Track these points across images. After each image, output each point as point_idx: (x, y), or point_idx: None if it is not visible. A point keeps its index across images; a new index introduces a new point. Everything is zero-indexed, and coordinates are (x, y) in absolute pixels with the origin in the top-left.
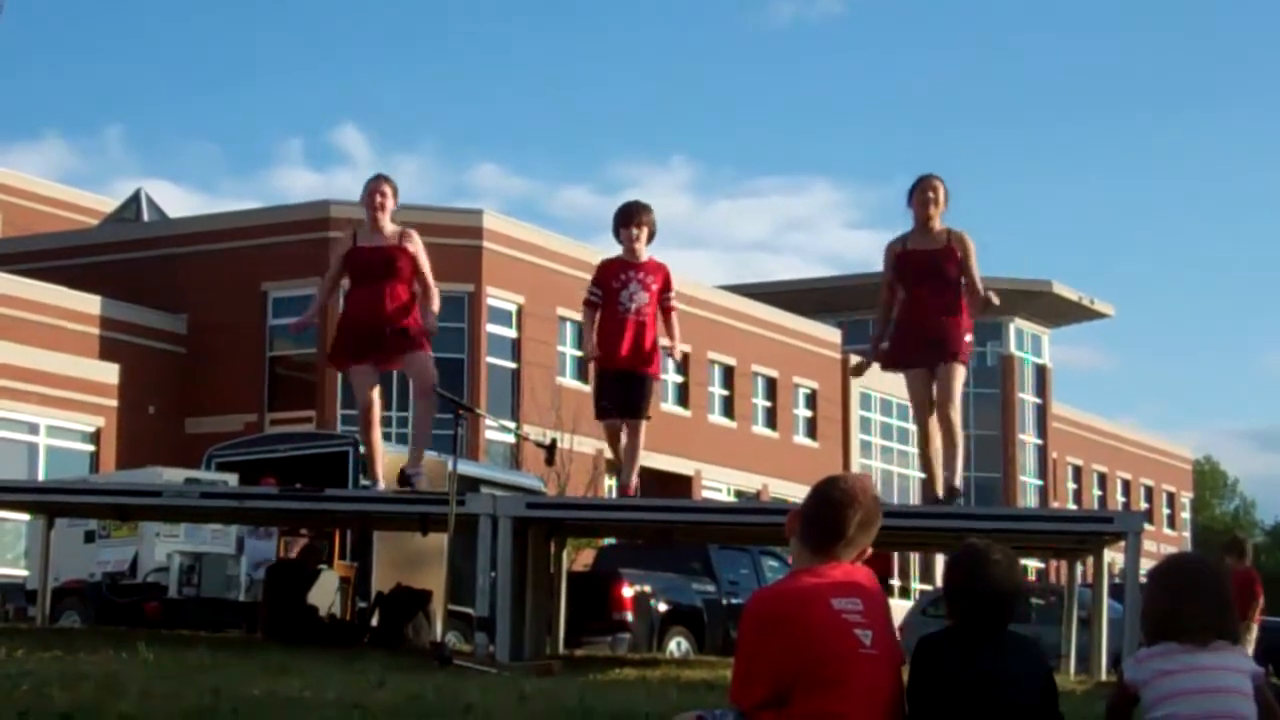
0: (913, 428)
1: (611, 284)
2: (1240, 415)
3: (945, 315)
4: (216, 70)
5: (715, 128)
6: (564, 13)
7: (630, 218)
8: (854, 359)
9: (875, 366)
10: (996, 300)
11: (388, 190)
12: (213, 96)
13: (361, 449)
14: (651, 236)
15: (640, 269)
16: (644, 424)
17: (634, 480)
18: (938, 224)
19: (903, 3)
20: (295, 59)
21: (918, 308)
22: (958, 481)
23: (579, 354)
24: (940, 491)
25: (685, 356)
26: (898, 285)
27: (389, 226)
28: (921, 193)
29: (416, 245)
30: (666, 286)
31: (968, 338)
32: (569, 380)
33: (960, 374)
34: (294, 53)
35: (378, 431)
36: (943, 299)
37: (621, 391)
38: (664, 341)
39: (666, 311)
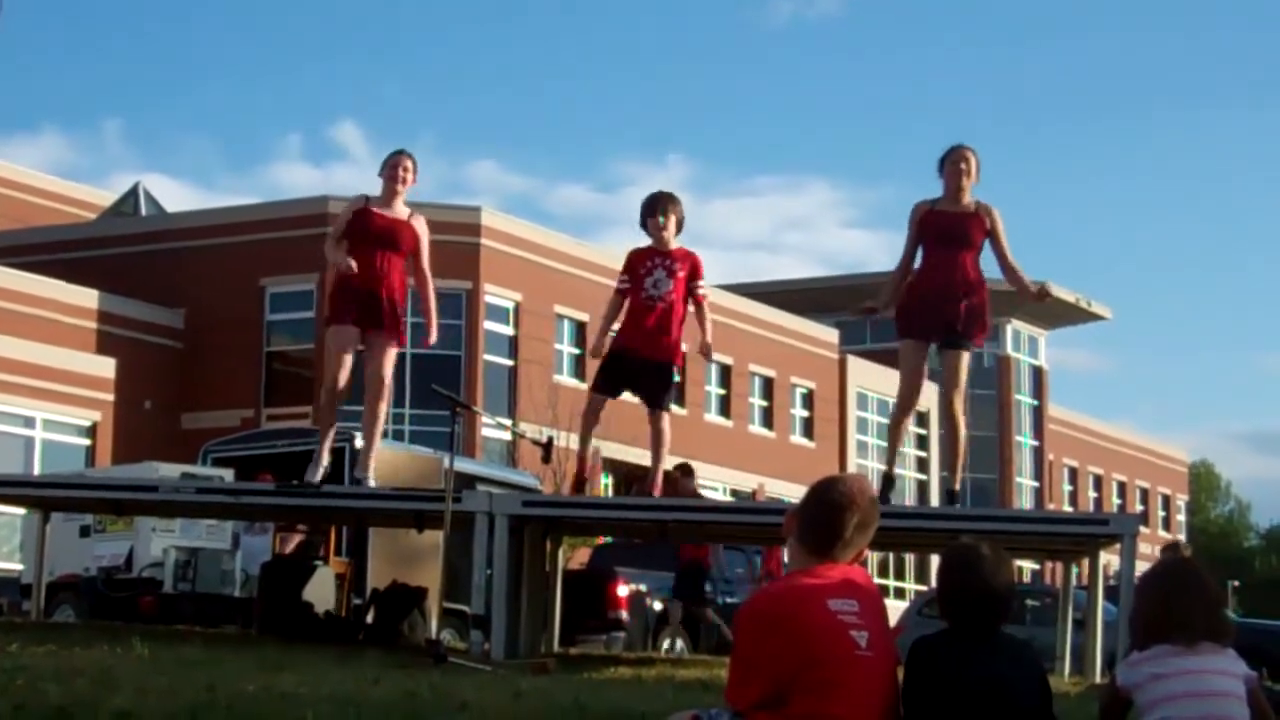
0: (909, 429)
1: (639, 270)
2: (1235, 417)
3: (962, 282)
4: (215, 65)
5: (712, 126)
6: (562, 11)
7: (656, 206)
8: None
9: (868, 364)
10: (1036, 289)
11: (410, 165)
12: (211, 91)
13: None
14: (680, 226)
15: (668, 256)
16: (666, 415)
17: (659, 477)
18: (968, 196)
19: (900, 3)
20: (294, 55)
21: (935, 271)
22: (957, 484)
23: (576, 351)
24: (890, 470)
25: (681, 356)
26: (919, 246)
27: (402, 205)
28: (954, 163)
29: (423, 229)
30: (695, 275)
31: (983, 318)
32: (566, 378)
33: (966, 360)
34: (293, 48)
35: (334, 419)
36: (962, 264)
37: (644, 378)
38: (698, 340)
39: (698, 302)
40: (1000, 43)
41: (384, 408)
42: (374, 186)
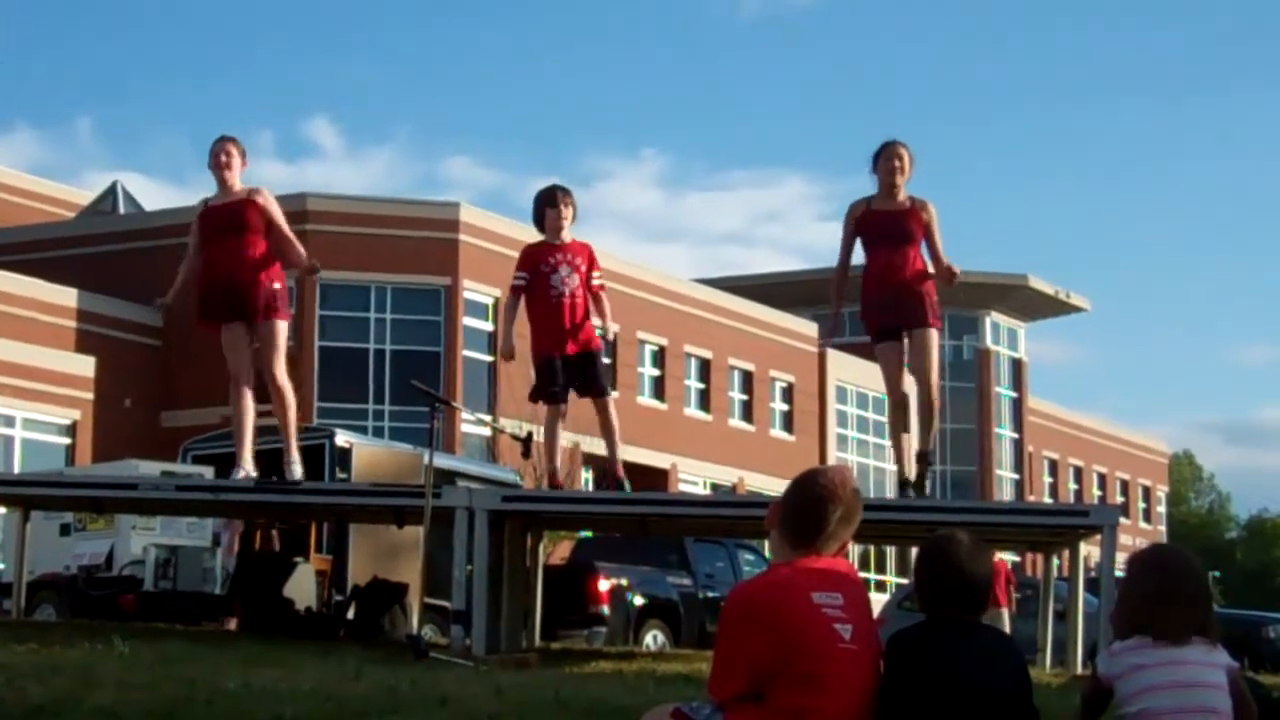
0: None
1: (540, 268)
2: (1209, 408)
3: (910, 275)
4: (186, 62)
5: (686, 121)
6: (535, 6)
7: (555, 198)
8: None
9: (847, 358)
10: (958, 271)
11: (232, 149)
12: (182, 88)
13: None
14: (574, 218)
15: (567, 250)
16: (611, 401)
17: (619, 466)
18: (902, 193)
19: None
20: (265, 51)
21: (881, 268)
22: (931, 444)
23: None
24: (913, 467)
25: (662, 350)
26: (856, 246)
27: (238, 185)
28: (887, 160)
29: (267, 199)
30: (593, 265)
31: (935, 304)
32: None
33: (934, 338)
34: (264, 44)
35: (250, 411)
36: (906, 258)
37: (575, 373)
38: (595, 321)
39: (595, 293)
40: (975, 34)
41: (290, 408)
42: (346, 183)
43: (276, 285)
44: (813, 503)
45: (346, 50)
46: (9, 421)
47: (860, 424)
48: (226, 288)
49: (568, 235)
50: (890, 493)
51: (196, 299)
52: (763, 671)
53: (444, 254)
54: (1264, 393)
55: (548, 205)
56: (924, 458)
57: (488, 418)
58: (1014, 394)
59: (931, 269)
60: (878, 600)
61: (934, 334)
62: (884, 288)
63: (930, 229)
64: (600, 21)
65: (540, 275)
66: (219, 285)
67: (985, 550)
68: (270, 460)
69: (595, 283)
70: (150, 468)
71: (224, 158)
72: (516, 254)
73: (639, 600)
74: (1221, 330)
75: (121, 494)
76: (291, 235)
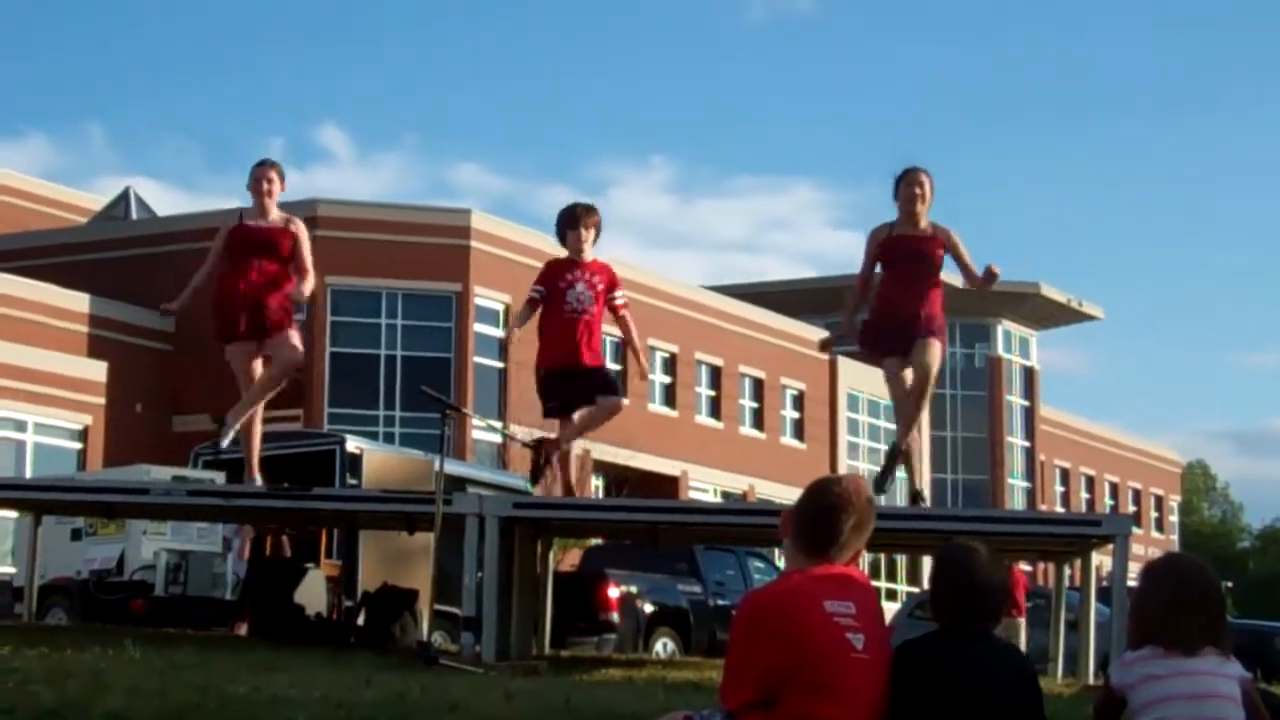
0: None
1: (558, 284)
2: (1220, 417)
3: (922, 300)
4: (197, 68)
5: (694, 127)
6: (543, 13)
7: (578, 219)
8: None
9: (859, 366)
10: (998, 271)
11: (274, 176)
12: (193, 94)
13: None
14: (597, 237)
15: (586, 269)
16: (614, 403)
17: (571, 447)
18: (924, 220)
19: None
20: (275, 57)
21: (896, 291)
22: (919, 484)
23: None
24: (915, 487)
25: (673, 357)
26: (876, 269)
27: (275, 212)
28: (908, 186)
29: (300, 231)
30: (613, 286)
31: (942, 325)
32: None
33: (938, 348)
34: (274, 51)
35: (258, 425)
36: (922, 284)
37: (580, 385)
38: (632, 365)
39: (616, 312)
40: (985, 40)
41: (274, 384)
42: (356, 189)
43: (290, 307)
44: (826, 511)
45: (355, 56)
46: (21, 426)
47: (871, 432)
48: (248, 309)
49: (589, 254)
50: (901, 501)
51: (216, 317)
52: (774, 679)
53: (455, 260)
54: (1275, 401)
55: (569, 226)
56: (916, 499)
57: (498, 424)
58: (1026, 402)
59: (964, 280)
60: (889, 609)
61: (937, 344)
62: (894, 315)
63: (956, 251)
64: (607, 28)
65: (557, 292)
66: (242, 306)
67: (1001, 561)
68: (275, 466)
69: (619, 302)
70: (161, 473)
71: (266, 184)
72: (527, 260)
73: (649, 608)
74: (1233, 338)
75: (133, 499)
76: (309, 268)
